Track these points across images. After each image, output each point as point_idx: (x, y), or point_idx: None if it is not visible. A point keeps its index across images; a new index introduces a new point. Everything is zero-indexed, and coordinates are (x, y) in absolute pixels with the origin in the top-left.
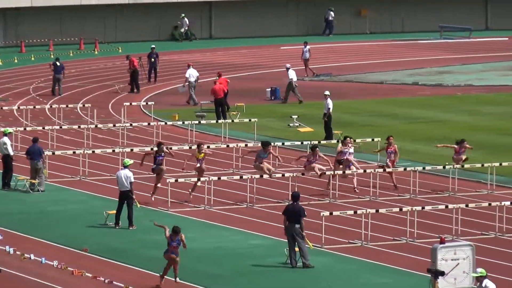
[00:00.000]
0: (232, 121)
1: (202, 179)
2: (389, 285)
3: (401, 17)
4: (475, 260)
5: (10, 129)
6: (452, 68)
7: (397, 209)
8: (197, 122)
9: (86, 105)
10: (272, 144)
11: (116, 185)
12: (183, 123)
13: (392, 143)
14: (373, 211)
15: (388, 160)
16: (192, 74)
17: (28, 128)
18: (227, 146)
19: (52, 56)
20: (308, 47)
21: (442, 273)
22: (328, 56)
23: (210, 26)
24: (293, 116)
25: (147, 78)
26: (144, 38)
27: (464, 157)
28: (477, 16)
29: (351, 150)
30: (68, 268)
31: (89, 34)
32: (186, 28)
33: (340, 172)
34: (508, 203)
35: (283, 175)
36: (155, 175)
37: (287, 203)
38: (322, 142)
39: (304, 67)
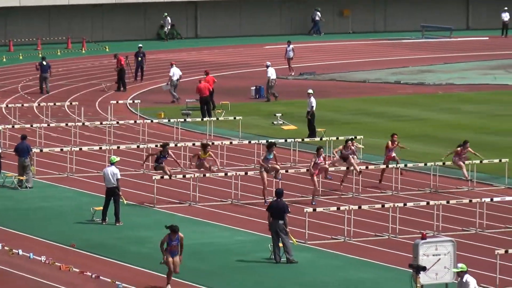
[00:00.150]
0: (217, 119)
1: (187, 175)
2: (371, 280)
3: (383, 17)
4: (456, 255)
5: None
6: (434, 67)
7: (379, 206)
8: (182, 120)
9: (73, 103)
10: (257, 141)
11: (103, 181)
12: (169, 121)
13: (396, 141)
14: (356, 207)
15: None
16: (175, 72)
17: (16, 126)
18: (212, 143)
19: (40, 55)
20: (291, 46)
21: (424, 268)
22: (312, 55)
23: (196, 25)
24: (277, 114)
25: (134, 76)
26: (130, 37)
27: (463, 164)
28: (458, 16)
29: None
30: (56, 263)
31: (77, 33)
32: (169, 27)
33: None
34: (488, 199)
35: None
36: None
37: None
38: (306, 139)
39: (287, 66)
